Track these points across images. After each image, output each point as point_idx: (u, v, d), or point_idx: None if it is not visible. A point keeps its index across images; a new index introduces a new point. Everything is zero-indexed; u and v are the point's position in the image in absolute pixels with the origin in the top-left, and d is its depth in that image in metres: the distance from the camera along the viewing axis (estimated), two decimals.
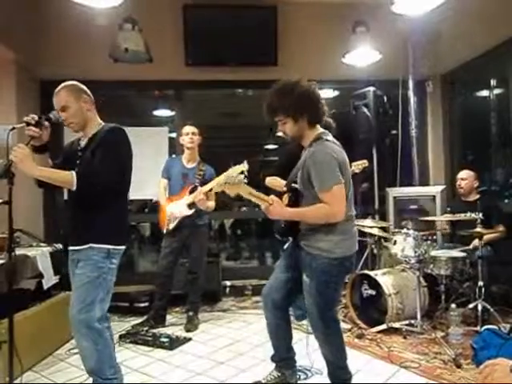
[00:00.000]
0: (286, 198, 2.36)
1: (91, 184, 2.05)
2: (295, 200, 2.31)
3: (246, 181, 2.11)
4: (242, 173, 3.59)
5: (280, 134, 2.40)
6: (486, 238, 3.49)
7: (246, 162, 3.55)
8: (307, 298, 2.33)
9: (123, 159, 2.16)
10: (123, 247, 2.21)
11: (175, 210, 3.79)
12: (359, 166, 3.76)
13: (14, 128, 2.08)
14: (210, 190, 3.68)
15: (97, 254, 2.10)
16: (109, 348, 2.13)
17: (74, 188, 2.01)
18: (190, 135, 3.86)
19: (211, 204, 3.83)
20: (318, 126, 2.35)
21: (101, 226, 2.13)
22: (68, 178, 2.02)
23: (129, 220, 2.39)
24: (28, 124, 2.07)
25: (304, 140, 2.34)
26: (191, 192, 3.75)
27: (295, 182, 2.33)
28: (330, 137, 2.31)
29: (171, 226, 3.83)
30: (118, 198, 2.18)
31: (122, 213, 2.25)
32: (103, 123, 2.26)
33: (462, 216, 3.52)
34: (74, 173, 2.03)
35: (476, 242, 3.55)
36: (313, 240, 2.26)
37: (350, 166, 3.61)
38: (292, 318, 2.67)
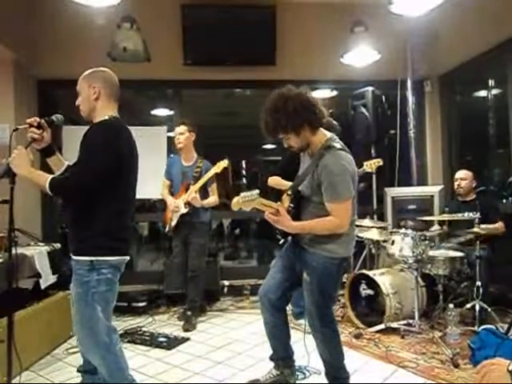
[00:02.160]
0: (286, 200, 2.35)
1: (62, 191, 1.99)
2: (297, 204, 2.31)
3: (258, 194, 2.13)
4: (226, 169, 3.77)
5: (286, 146, 2.33)
6: (483, 228, 3.45)
7: (226, 159, 3.83)
8: (307, 297, 2.34)
9: (97, 159, 1.94)
10: (112, 258, 2.01)
11: (176, 207, 3.87)
12: (372, 165, 3.76)
13: (17, 129, 2.08)
14: (204, 185, 3.83)
15: (81, 268, 1.98)
16: (118, 361, 2.04)
17: (50, 193, 1.94)
18: (176, 136, 3.95)
19: (211, 200, 3.92)
20: (321, 129, 2.31)
21: (82, 235, 2.01)
22: (43, 183, 1.94)
23: (127, 225, 2.13)
24: (30, 126, 2.05)
25: (311, 147, 2.30)
26: (186, 190, 3.84)
27: (298, 188, 2.32)
28: (338, 142, 2.27)
29: (172, 223, 3.91)
30: (104, 202, 1.99)
31: (112, 219, 2.02)
32: (106, 117, 2.06)
33: (459, 216, 3.52)
34: (49, 178, 1.95)
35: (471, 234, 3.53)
36: (315, 240, 2.27)
37: (361, 166, 3.63)
38: (290, 317, 2.67)
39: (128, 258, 2.13)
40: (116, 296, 2.11)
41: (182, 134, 3.92)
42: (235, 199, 2.12)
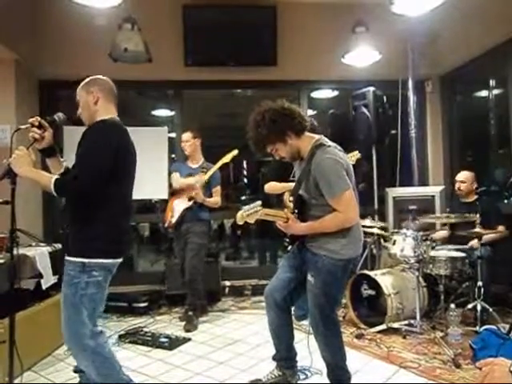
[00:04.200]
0: (289, 206, 2.36)
1: (66, 191, 1.99)
2: (301, 209, 2.31)
3: (260, 207, 2.15)
4: (234, 158, 3.84)
5: (277, 158, 2.40)
6: (485, 237, 3.48)
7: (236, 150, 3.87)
8: (310, 298, 2.33)
9: (96, 159, 1.95)
10: (105, 260, 2.01)
11: (177, 205, 3.97)
12: (352, 157, 3.76)
13: (19, 129, 2.08)
14: (208, 181, 3.92)
15: (72, 269, 1.98)
16: (109, 362, 2.02)
17: (54, 193, 1.94)
18: (183, 143, 4.09)
19: (213, 200, 3.99)
20: (308, 133, 2.35)
21: (77, 237, 2.02)
22: (47, 183, 1.94)
23: (125, 227, 2.16)
24: (32, 126, 2.06)
25: (302, 152, 2.33)
26: None
27: (299, 192, 2.33)
28: (329, 142, 2.31)
29: (173, 219, 3.95)
30: (102, 204, 2.00)
31: (110, 220, 2.03)
32: (105, 118, 2.08)
33: (461, 217, 3.52)
34: (53, 178, 1.95)
35: (474, 242, 3.55)
36: (320, 241, 2.28)
37: None
38: (293, 318, 2.67)
39: (121, 260, 2.12)
40: (104, 300, 2.09)
41: (188, 142, 4.06)
42: (239, 214, 2.15)
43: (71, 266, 2.00)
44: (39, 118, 2.08)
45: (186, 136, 4.07)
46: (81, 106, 2.15)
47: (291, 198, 2.38)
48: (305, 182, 2.29)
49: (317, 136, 2.34)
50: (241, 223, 2.17)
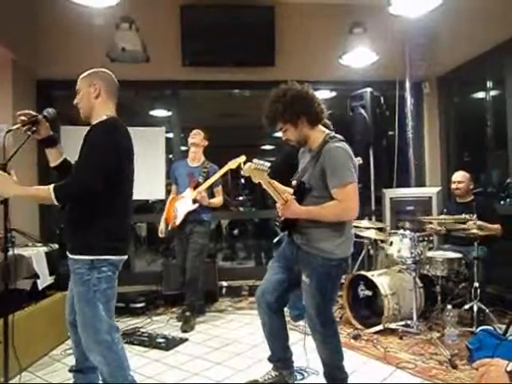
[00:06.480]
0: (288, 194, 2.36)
1: (68, 195, 1.98)
2: (300, 197, 2.30)
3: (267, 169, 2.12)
4: (242, 164, 3.80)
5: (284, 138, 2.38)
6: (481, 226, 3.45)
7: (243, 155, 3.80)
8: (306, 298, 2.33)
9: (100, 160, 1.96)
10: (112, 257, 2.03)
11: (180, 206, 3.96)
12: None
13: (10, 130, 2.07)
14: (211, 185, 3.94)
15: (81, 267, 1.99)
16: (120, 360, 2.05)
17: (56, 202, 1.92)
18: (193, 134, 4.10)
19: (216, 200, 4.04)
20: (321, 127, 2.35)
21: (83, 234, 2.02)
22: (46, 195, 1.91)
23: (126, 225, 2.17)
24: (23, 125, 2.06)
25: (310, 142, 2.33)
26: (195, 188, 3.92)
27: (302, 182, 2.33)
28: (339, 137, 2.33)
29: (177, 221, 3.95)
30: (104, 202, 2.01)
31: (112, 218, 2.05)
32: (105, 117, 2.08)
33: (457, 217, 3.52)
34: (51, 188, 1.92)
35: (470, 223, 3.52)
36: (313, 240, 2.27)
37: None
38: (288, 319, 2.67)
39: (126, 257, 2.14)
40: (116, 294, 2.11)
41: (198, 135, 4.08)
42: (247, 164, 2.11)
43: (79, 264, 2.00)
44: (26, 111, 2.08)
45: (199, 130, 4.10)
46: (79, 96, 2.14)
47: (294, 183, 2.37)
48: (310, 171, 2.28)
49: (327, 131, 2.36)
50: (246, 175, 2.13)
